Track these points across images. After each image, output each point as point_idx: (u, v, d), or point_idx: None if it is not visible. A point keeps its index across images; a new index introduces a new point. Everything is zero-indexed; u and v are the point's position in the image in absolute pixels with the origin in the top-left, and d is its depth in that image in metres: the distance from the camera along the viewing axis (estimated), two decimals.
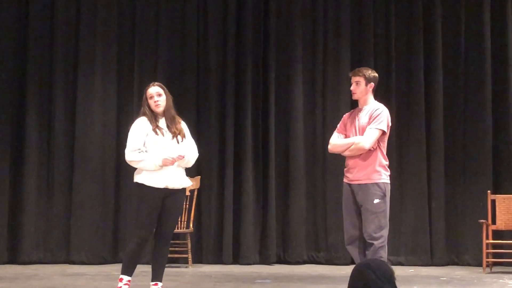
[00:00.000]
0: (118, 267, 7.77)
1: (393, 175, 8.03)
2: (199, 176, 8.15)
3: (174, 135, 5.35)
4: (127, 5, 8.53)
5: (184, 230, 7.93)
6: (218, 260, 8.21)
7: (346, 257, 8.14)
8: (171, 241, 7.71)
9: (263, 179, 8.39)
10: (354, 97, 5.61)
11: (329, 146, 5.66)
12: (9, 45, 8.28)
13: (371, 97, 5.55)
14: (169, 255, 7.77)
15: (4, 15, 8.28)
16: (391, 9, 8.59)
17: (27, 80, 8.29)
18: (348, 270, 7.46)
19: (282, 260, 8.30)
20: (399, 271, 7.57)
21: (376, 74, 5.65)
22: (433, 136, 8.43)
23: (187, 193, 7.94)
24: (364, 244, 5.44)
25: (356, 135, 5.47)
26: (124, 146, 8.32)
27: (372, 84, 5.52)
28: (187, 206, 8.00)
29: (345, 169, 5.60)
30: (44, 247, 8.13)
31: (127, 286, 5.33)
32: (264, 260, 8.25)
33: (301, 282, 6.69)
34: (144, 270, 6.52)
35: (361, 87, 5.50)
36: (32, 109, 8.28)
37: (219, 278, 7.01)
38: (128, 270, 5.37)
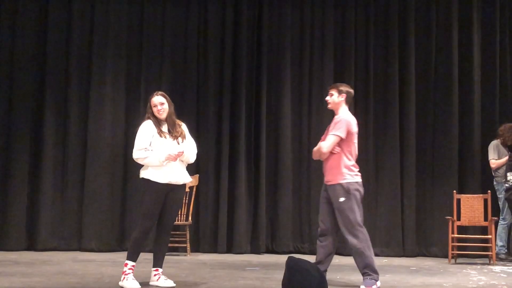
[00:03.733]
0: (124, 254, 7.69)
1: (370, 176, 8.23)
2: (198, 175, 8.16)
3: (175, 138, 5.39)
4: (135, 22, 8.54)
5: (184, 222, 7.92)
6: (214, 249, 8.21)
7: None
8: (172, 232, 7.79)
9: (255, 177, 8.41)
10: (328, 106, 5.71)
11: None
12: (29, 55, 8.30)
13: (342, 108, 5.63)
14: (170, 245, 7.76)
15: (26, 27, 8.29)
16: (370, 30, 8.60)
17: (45, 86, 8.32)
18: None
19: (270, 250, 8.32)
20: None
21: (350, 90, 5.72)
22: (406, 141, 8.44)
23: (187, 189, 7.94)
24: (334, 239, 5.55)
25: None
26: (131, 146, 8.42)
27: (344, 95, 5.61)
28: (187, 201, 7.99)
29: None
30: (59, 236, 8.14)
31: (131, 270, 5.36)
32: (255, 249, 8.25)
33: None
34: (146, 257, 6.51)
35: (334, 97, 5.63)
36: (50, 112, 8.30)
37: (214, 265, 6.98)
38: (132, 256, 5.40)
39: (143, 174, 5.39)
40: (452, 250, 7.59)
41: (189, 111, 8.36)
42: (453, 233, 7.58)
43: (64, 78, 8.38)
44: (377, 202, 8.39)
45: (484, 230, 7.83)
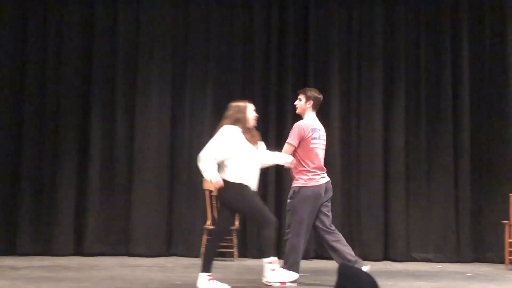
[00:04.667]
0: (172, 259, 7.98)
1: (422, 177, 8.14)
2: None
3: (255, 144, 5.50)
4: (180, 25, 8.61)
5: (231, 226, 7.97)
6: (262, 254, 7.91)
7: (378, 253, 8.18)
8: None
9: None
10: (297, 111, 5.97)
11: None
12: (75, 60, 8.46)
13: (308, 114, 5.90)
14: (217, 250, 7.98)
15: (72, 31, 8.47)
16: (421, 28, 8.57)
17: (92, 91, 8.45)
18: (380, 266, 7.57)
19: (319, 256, 8.24)
20: (428, 267, 7.61)
21: (318, 96, 5.93)
22: (460, 142, 8.38)
23: None
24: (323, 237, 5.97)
25: None
26: (177, 149, 8.55)
27: (311, 101, 5.87)
28: None
29: None
30: (106, 241, 8.26)
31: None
32: (303, 255, 7.99)
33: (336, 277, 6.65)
34: (195, 262, 6.63)
35: (301, 102, 5.90)
36: (96, 117, 8.43)
37: (262, 271, 6.86)
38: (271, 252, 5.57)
39: (237, 178, 5.42)
40: (510, 255, 7.45)
41: None
42: (510, 237, 7.45)
43: (110, 82, 8.51)
44: (429, 205, 8.32)
45: None
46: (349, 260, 5.76)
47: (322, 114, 8.34)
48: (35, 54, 8.43)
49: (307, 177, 5.78)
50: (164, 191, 8.40)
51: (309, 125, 5.80)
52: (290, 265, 5.82)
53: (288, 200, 5.84)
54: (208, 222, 8.03)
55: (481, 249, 8.26)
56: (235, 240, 7.92)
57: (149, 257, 8.04)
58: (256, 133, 5.61)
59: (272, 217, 5.50)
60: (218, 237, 5.53)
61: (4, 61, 8.37)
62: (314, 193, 5.80)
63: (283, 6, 8.59)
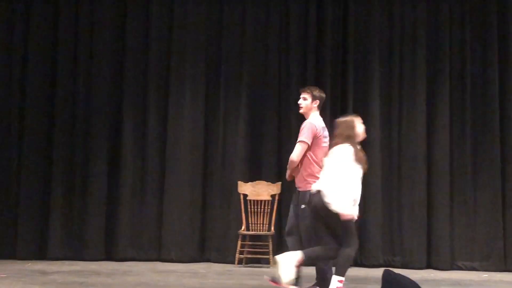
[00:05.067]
0: (205, 265, 8.00)
1: (467, 183, 8.10)
2: (280, 182, 8.15)
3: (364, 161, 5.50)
4: (214, 24, 8.64)
5: (266, 232, 7.97)
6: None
7: (421, 262, 8.11)
8: (254, 243, 7.95)
9: None
10: (300, 110, 5.95)
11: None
12: (108, 59, 8.55)
13: (313, 114, 5.90)
14: (252, 256, 8.00)
15: (104, 30, 8.57)
16: (466, 26, 8.44)
17: (123, 92, 8.52)
18: (423, 274, 7.51)
19: (359, 263, 8.16)
20: (473, 276, 7.51)
21: (323, 95, 5.97)
22: (508, 143, 8.25)
23: (269, 197, 8.11)
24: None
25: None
26: (211, 153, 8.57)
27: (317, 101, 5.89)
28: (269, 210, 8.06)
29: None
30: (138, 246, 8.30)
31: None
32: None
33: (378, 285, 6.54)
34: (229, 269, 6.57)
35: (307, 102, 5.89)
36: (128, 120, 8.51)
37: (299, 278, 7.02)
38: (345, 272, 5.46)
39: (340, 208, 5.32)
40: None
41: (270, 115, 8.44)
42: None
43: (142, 83, 8.57)
44: (475, 211, 8.22)
45: None
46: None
47: (361, 114, 8.28)
48: (66, 53, 8.55)
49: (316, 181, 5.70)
50: (197, 195, 8.42)
51: (320, 123, 5.84)
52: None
53: (303, 206, 5.65)
54: (243, 227, 8.06)
55: None
56: (270, 246, 7.90)
57: (182, 262, 8.07)
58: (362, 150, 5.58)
59: (357, 240, 5.51)
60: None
61: (35, 61, 8.50)
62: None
63: (321, 3, 8.55)
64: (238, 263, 7.95)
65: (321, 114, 8.21)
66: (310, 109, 5.90)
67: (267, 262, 7.90)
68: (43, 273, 7.02)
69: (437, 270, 8.01)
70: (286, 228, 5.90)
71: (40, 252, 8.28)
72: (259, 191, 8.17)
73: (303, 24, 8.53)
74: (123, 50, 8.60)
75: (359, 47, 8.52)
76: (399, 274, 3.46)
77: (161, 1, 8.64)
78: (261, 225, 8.03)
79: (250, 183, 8.22)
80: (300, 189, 5.75)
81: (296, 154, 5.74)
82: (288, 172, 5.89)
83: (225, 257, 8.21)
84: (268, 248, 7.90)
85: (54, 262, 8.02)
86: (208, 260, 8.28)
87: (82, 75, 8.55)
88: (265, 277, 5.76)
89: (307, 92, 5.92)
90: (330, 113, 8.30)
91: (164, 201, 8.33)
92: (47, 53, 8.55)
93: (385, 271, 3.22)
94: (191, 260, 8.18)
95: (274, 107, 8.51)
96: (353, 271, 7.67)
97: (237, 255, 7.98)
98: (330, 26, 8.48)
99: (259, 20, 8.59)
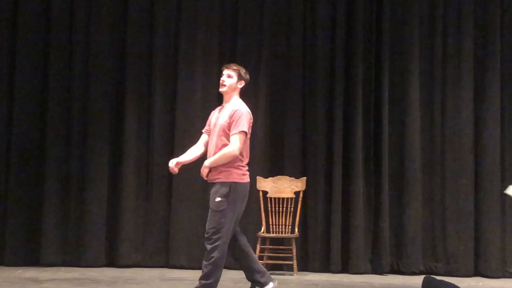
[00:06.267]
0: None
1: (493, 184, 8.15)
2: (305, 177, 8.22)
3: None
4: (228, 14, 8.62)
5: (289, 235, 8.00)
6: (325, 268, 8.17)
7: (467, 269, 8.18)
8: (276, 247, 7.98)
9: (375, 180, 8.32)
10: (222, 89, 5.85)
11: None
12: (107, 39, 8.53)
13: (235, 97, 5.84)
14: (273, 262, 8.03)
15: (103, 22, 8.56)
16: None
17: (126, 82, 8.49)
18: (470, 282, 7.68)
19: (395, 270, 8.22)
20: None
21: (248, 77, 5.94)
22: None
23: (293, 195, 8.14)
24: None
25: (216, 137, 5.77)
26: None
27: (243, 82, 5.87)
28: (292, 209, 8.10)
29: None
30: (143, 251, 8.36)
31: None
32: (376, 269, 8.17)
33: None
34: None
35: (232, 80, 5.81)
36: (131, 110, 8.48)
37: (327, 287, 7.06)
38: None
39: None
40: None
41: (293, 101, 8.46)
42: None
43: (148, 62, 8.55)
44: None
45: None
46: (259, 271, 5.83)
47: (400, 103, 8.49)
48: (61, 41, 8.56)
49: (242, 172, 5.74)
50: (208, 196, 8.19)
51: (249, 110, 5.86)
52: (214, 282, 5.77)
53: (219, 199, 5.65)
54: (263, 228, 8.13)
55: None
56: (294, 251, 7.91)
57: (192, 269, 7.96)
58: None
59: None
60: None
61: (28, 52, 8.55)
62: (247, 191, 5.83)
63: None
64: None
65: (347, 107, 8.37)
66: (233, 90, 5.83)
67: (290, 268, 7.94)
68: (36, 281, 7.07)
69: (486, 278, 8.01)
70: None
71: (32, 257, 8.31)
72: (281, 187, 8.18)
73: (331, 10, 8.52)
74: (124, 21, 8.60)
75: (396, 34, 8.50)
76: (441, 281, 3.47)
77: None
78: (284, 226, 8.06)
79: (270, 178, 8.23)
80: (216, 181, 5.70)
81: (237, 146, 5.65)
82: (213, 165, 5.72)
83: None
84: (291, 253, 7.92)
85: (48, 268, 8.05)
86: (224, 267, 8.11)
87: (79, 57, 8.56)
88: None
89: (233, 70, 5.85)
90: (363, 105, 8.39)
91: (172, 200, 8.32)
92: (39, 44, 8.57)
93: (425, 278, 3.20)
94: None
95: (298, 95, 8.54)
96: (388, 279, 7.98)
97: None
98: (362, 7, 8.45)
99: (279, 6, 8.58)
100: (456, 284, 7.16)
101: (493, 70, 8.37)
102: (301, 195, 8.10)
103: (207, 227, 5.75)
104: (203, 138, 6.05)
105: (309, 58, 8.49)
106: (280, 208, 8.08)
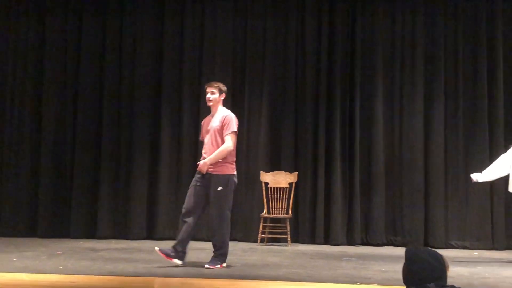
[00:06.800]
0: (232, 243, 7.51)
1: (460, 172, 8.05)
2: (297, 172, 8.19)
3: None
4: (240, 33, 8.62)
5: (284, 215, 7.96)
6: (312, 240, 8.17)
7: (419, 241, 8.05)
8: (274, 224, 7.92)
9: (349, 174, 8.29)
10: (209, 103, 5.75)
11: (208, 162, 5.66)
12: (148, 63, 8.61)
13: (220, 106, 5.75)
14: (272, 236, 7.96)
15: (145, 39, 8.65)
16: (459, 29, 8.40)
17: (162, 95, 8.54)
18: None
19: (365, 242, 8.19)
20: (465, 254, 7.47)
21: (226, 88, 5.85)
22: (495, 139, 8.18)
23: (287, 185, 8.09)
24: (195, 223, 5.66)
25: (211, 139, 5.66)
26: (237, 145, 8.23)
27: (224, 95, 5.78)
28: (287, 196, 8.03)
29: (202, 160, 5.75)
30: (174, 227, 7.93)
31: None
32: (350, 241, 8.16)
33: (383, 261, 6.56)
34: (252, 247, 6.60)
35: (216, 96, 5.71)
36: (166, 118, 8.53)
37: (313, 255, 6.98)
38: None
39: None
40: None
41: (288, 113, 8.44)
42: None
43: (178, 87, 8.59)
44: (466, 197, 8.20)
45: None
46: (183, 247, 5.70)
47: (368, 117, 8.36)
48: (113, 60, 8.65)
49: (233, 167, 5.70)
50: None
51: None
52: (225, 252, 5.71)
53: (220, 188, 5.57)
54: (264, 211, 8.05)
55: None
56: (288, 228, 7.92)
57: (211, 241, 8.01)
58: None
59: None
60: None
61: (87, 67, 8.60)
62: (236, 180, 5.75)
63: (332, 14, 8.52)
64: (260, 242, 7.95)
65: (329, 114, 8.33)
66: (218, 102, 5.77)
67: (285, 241, 7.95)
68: (93, 250, 7.07)
69: (432, 248, 7.94)
70: (185, 209, 5.73)
71: (91, 232, 8.37)
72: (279, 179, 8.15)
73: (317, 35, 8.49)
74: (161, 57, 8.64)
75: (366, 54, 8.47)
76: (420, 249, 2.98)
77: (194, 15, 8.66)
78: (280, 209, 8.04)
79: (270, 173, 8.21)
80: (214, 173, 5.60)
81: (231, 144, 5.60)
82: (213, 161, 5.59)
83: (249, 237, 8.22)
84: (286, 229, 7.92)
85: (103, 240, 8.08)
86: (234, 239, 8.19)
87: (127, 81, 8.63)
88: (156, 248, 5.69)
89: (215, 87, 5.75)
90: (340, 111, 8.34)
91: None
92: (97, 61, 8.65)
93: (408, 249, 3.00)
94: None
95: (292, 108, 8.47)
96: (359, 249, 7.78)
97: (259, 235, 7.98)
98: (340, 37, 8.45)
99: (278, 32, 8.56)
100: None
101: (438, 89, 8.27)
102: (293, 185, 8.08)
103: (211, 212, 5.63)
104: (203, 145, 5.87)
105: (300, 82, 8.45)
106: (278, 196, 8.05)
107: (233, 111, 8.30)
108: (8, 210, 8.44)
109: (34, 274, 5.11)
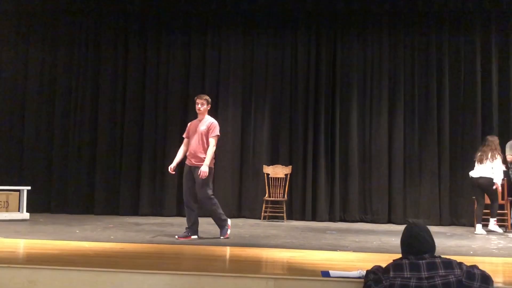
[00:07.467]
0: (241, 220, 7.84)
1: (415, 166, 7.97)
2: (291, 165, 8.13)
3: None
4: (247, 61, 8.51)
5: (281, 199, 7.90)
6: (302, 218, 8.09)
7: (384, 218, 8.00)
8: (274, 206, 7.82)
9: (331, 167, 8.21)
10: (199, 112, 5.56)
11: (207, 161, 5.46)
12: (176, 87, 8.47)
13: (207, 114, 5.57)
14: (272, 214, 7.84)
15: (174, 63, 8.51)
16: (415, 56, 8.33)
17: (189, 108, 8.27)
18: (385, 227, 7.48)
19: (342, 219, 8.12)
20: None
21: (210, 100, 5.65)
22: (442, 141, 8.11)
23: (284, 176, 8.01)
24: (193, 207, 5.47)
25: (198, 138, 5.47)
26: (245, 147, 8.25)
27: (209, 105, 5.59)
28: (284, 184, 7.96)
29: (188, 155, 5.56)
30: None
31: None
32: (332, 219, 8.09)
33: (356, 234, 6.55)
34: (258, 223, 6.55)
35: (204, 106, 5.54)
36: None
37: (303, 229, 6.94)
38: None
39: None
40: (477, 222, 7.20)
41: (284, 122, 8.36)
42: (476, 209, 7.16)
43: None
44: (420, 185, 8.13)
45: (502, 207, 7.45)
46: (195, 226, 5.54)
47: (346, 123, 8.26)
48: (153, 78, 8.49)
49: (214, 161, 5.63)
50: (236, 173, 8.38)
51: None
52: (225, 220, 5.54)
53: (205, 176, 5.36)
54: (266, 195, 7.98)
55: (456, 217, 8.04)
56: (284, 208, 7.88)
57: (228, 217, 7.90)
58: None
59: None
60: None
61: (132, 81, 8.42)
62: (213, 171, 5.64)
63: (318, 46, 8.44)
64: (263, 219, 7.90)
65: (316, 123, 8.26)
66: (205, 111, 5.57)
67: (282, 218, 7.87)
68: (137, 224, 6.99)
69: (394, 224, 7.90)
70: (186, 201, 5.54)
71: (134, 210, 8.26)
72: (277, 171, 8.08)
73: (306, 61, 8.42)
74: (187, 79, 8.50)
75: (344, 77, 8.39)
76: (422, 228, 2.72)
77: (213, 47, 8.56)
78: (278, 194, 8.00)
79: (271, 166, 8.13)
80: (198, 165, 5.42)
81: (214, 143, 5.46)
82: (208, 161, 5.38)
83: (255, 215, 8.17)
84: (283, 209, 7.87)
85: (144, 217, 8.00)
86: (243, 217, 8.24)
87: (163, 95, 8.48)
88: (175, 237, 5.51)
89: (204, 99, 5.56)
90: (324, 121, 8.26)
91: (215, 178, 8.07)
92: (140, 77, 8.51)
93: (409, 227, 2.75)
94: (232, 216, 7.99)
95: (287, 116, 8.39)
96: (338, 225, 7.71)
97: (262, 214, 7.95)
98: (324, 63, 8.37)
99: (277, 59, 8.49)
100: (377, 228, 6.96)
101: (399, 102, 8.20)
102: (288, 176, 8.01)
103: (199, 196, 5.41)
104: (185, 141, 5.65)
105: (293, 97, 8.37)
106: (276, 183, 7.99)
107: (242, 118, 8.39)
108: (71, 193, 8.42)
109: (92, 242, 5.08)
